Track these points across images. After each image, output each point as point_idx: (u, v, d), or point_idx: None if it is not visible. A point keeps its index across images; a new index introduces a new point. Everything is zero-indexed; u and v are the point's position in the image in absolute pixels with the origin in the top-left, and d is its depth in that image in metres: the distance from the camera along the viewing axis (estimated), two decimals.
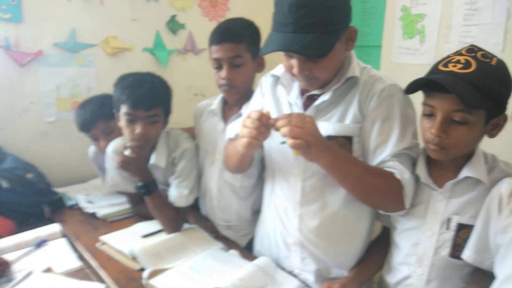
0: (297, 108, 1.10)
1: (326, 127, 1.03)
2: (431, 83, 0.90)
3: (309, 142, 0.89)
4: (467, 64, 0.88)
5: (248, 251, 1.37)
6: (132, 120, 1.30)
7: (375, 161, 1.03)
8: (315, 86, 1.06)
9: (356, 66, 1.06)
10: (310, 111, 1.06)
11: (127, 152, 1.30)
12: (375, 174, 1.00)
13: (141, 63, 2.02)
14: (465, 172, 0.95)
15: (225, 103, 1.45)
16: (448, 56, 0.93)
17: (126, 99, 1.28)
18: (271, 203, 1.23)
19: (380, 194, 1.01)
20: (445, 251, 0.97)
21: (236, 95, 1.35)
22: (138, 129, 1.29)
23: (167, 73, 2.03)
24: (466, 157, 0.97)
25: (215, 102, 1.46)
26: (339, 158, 0.97)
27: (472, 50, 0.91)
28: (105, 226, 1.48)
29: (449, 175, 0.98)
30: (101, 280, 1.16)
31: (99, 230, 1.43)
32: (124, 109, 1.30)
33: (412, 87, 0.94)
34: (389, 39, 2.07)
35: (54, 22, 1.77)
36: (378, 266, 1.14)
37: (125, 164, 1.33)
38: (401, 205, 0.99)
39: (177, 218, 1.39)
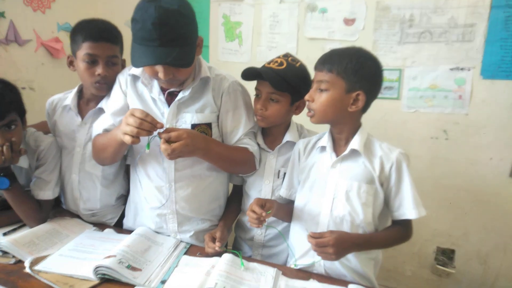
0: (161, 103, 1.30)
1: (190, 117, 1.29)
2: (257, 74, 1.29)
3: (183, 155, 1.15)
4: (281, 64, 1.32)
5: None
6: None
7: (233, 140, 1.36)
8: (175, 85, 1.28)
9: (206, 67, 1.33)
10: (173, 105, 1.29)
11: None
12: (236, 151, 1.34)
13: None
14: (286, 138, 1.39)
15: (79, 98, 1.50)
16: (273, 58, 1.35)
17: None
18: (143, 185, 1.38)
19: (240, 165, 1.36)
20: (278, 192, 1.38)
21: (107, 91, 1.42)
22: None
23: None
24: (286, 128, 1.41)
25: (69, 97, 1.48)
26: (210, 149, 1.23)
27: (286, 55, 1.35)
28: None
29: (277, 141, 1.40)
30: None
31: None
32: None
33: (245, 75, 1.32)
34: (215, 41, 2.47)
35: None
36: (236, 213, 1.50)
37: None
38: (254, 167, 1.38)
39: (41, 211, 1.39)
